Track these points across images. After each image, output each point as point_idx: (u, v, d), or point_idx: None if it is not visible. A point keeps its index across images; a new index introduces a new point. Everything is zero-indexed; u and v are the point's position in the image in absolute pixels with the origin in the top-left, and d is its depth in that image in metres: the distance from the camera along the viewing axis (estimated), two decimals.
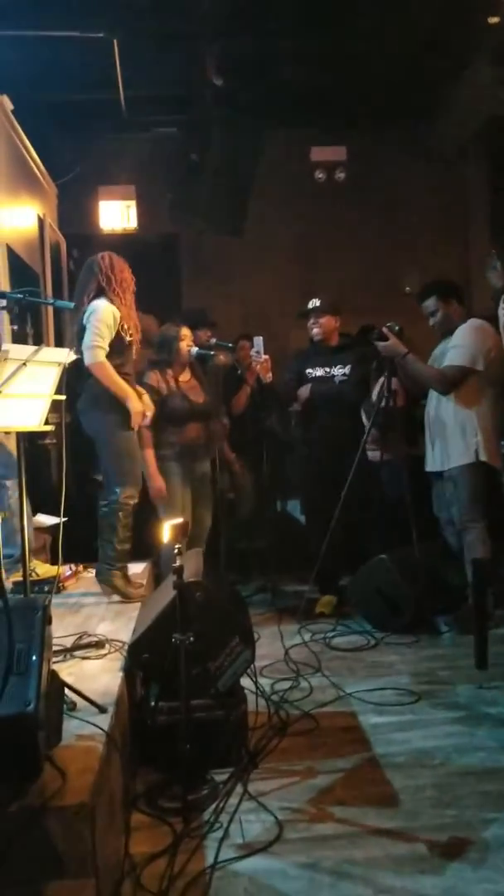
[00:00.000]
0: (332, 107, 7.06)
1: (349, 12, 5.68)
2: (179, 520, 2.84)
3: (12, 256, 5.15)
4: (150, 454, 4.73)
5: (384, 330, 4.54)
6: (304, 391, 4.96)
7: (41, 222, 6.21)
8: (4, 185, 5.02)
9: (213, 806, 2.64)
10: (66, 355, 2.66)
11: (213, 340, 5.64)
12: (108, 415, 3.93)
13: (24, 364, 2.50)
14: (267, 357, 4.71)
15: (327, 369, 4.96)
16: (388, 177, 7.43)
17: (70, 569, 4.57)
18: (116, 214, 7.25)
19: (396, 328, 4.57)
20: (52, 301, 3.11)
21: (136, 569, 4.66)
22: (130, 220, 7.25)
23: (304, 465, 5.23)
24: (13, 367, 2.48)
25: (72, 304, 3.18)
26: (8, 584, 3.89)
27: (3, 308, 2.66)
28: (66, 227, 7.20)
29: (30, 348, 2.53)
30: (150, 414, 4.30)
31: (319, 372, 4.98)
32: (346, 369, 4.93)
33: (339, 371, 4.93)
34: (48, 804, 1.94)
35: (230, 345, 5.72)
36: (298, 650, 4.17)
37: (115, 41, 5.68)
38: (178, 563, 2.71)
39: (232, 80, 6.40)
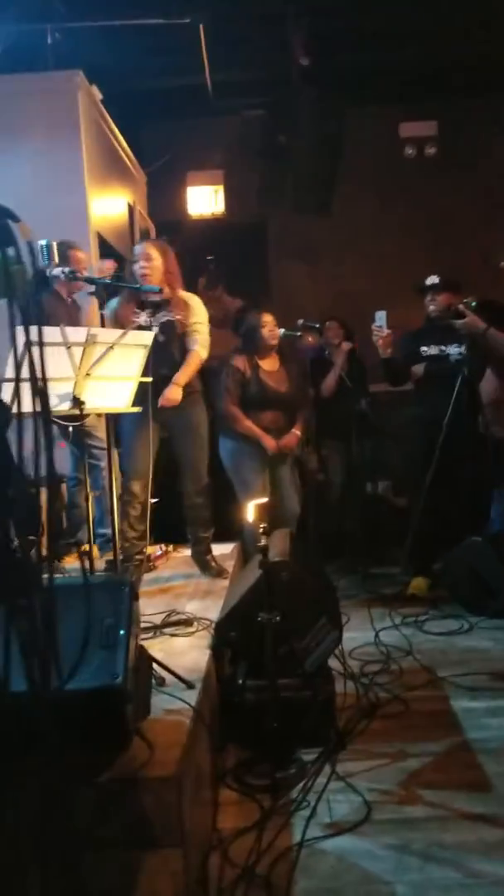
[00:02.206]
0: (422, 81, 6.90)
1: None
2: (263, 499, 2.84)
3: (103, 243, 5.26)
4: (247, 424, 4.72)
5: (461, 307, 4.40)
6: (418, 370, 4.83)
7: (131, 210, 6.32)
8: (95, 175, 5.12)
9: (301, 785, 2.64)
10: (151, 338, 2.69)
11: (301, 321, 5.62)
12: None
13: (112, 347, 2.54)
14: (390, 332, 4.60)
15: (442, 347, 4.80)
16: (481, 150, 7.20)
17: (161, 549, 4.65)
18: (205, 199, 7.28)
19: (473, 304, 4.41)
20: (137, 286, 3.14)
21: (225, 549, 4.71)
22: (218, 204, 7.27)
23: (414, 444, 5.09)
24: (102, 350, 2.52)
25: (157, 288, 3.20)
26: (100, 563, 4.02)
27: (91, 294, 2.71)
28: (155, 214, 7.30)
29: (116, 332, 2.57)
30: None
31: (434, 350, 4.82)
32: (463, 348, 4.78)
33: (454, 350, 4.77)
34: (137, 775, 1.98)
35: (317, 325, 5.68)
36: (389, 633, 4.11)
37: (201, 26, 5.69)
38: (262, 542, 2.72)
39: (318, 59, 6.33)
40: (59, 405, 2.49)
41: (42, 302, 4.42)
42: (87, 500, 3.22)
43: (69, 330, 2.46)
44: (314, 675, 2.92)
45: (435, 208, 7.27)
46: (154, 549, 4.54)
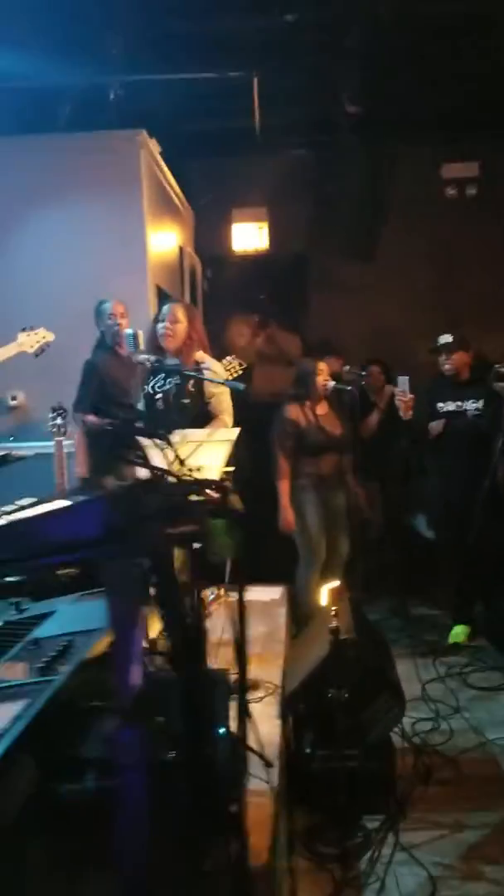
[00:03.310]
0: (465, 122, 7.03)
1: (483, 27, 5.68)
2: (336, 583, 3.02)
3: (159, 292, 5.45)
4: (284, 486, 4.93)
5: (502, 371, 4.54)
6: (437, 426, 4.95)
7: (181, 252, 6.50)
8: (154, 227, 5.31)
9: (368, 855, 2.83)
10: (236, 433, 2.88)
11: (347, 368, 5.81)
12: None
13: (200, 444, 2.73)
14: (412, 396, 4.77)
15: (459, 403, 4.96)
16: None
17: (212, 592, 4.82)
18: (249, 235, 7.44)
19: None
20: (222, 381, 3.28)
21: (274, 594, 4.89)
22: (262, 240, 7.43)
23: (436, 501, 5.26)
24: (191, 448, 2.71)
25: (241, 386, 3.31)
26: None
27: (178, 384, 2.90)
28: (200, 249, 7.48)
29: (204, 431, 2.77)
30: None
31: (451, 406, 4.97)
32: (479, 404, 4.92)
33: (471, 405, 4.92)
34: (234, 865, 2.16)
35: (362, 373, 5.87)
36: (435, 686, 4.28)
37: (255, 80, 5.84)
38: (334, 623, 2.91)
39: (365, 105, 6.48)
40: None
41: (104, 364, 4.66)
42: None
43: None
44: (377, 746, 3.10)
45: (476, 250, 7.39)
46: (206, 594, 4.71)
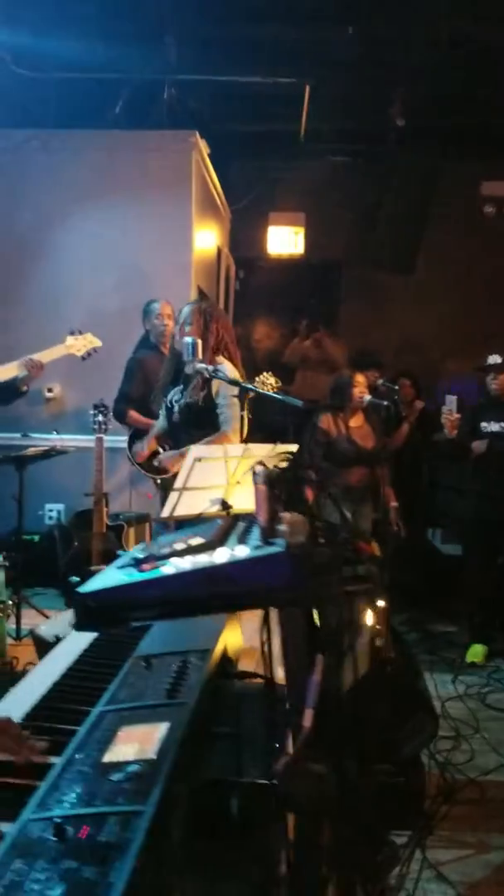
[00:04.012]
0: None
1: None
2: (382, 603, 3.06)
3: (200, 293, 5.49)
4: (308, 494, 4.95)
5: None
6: (480, 446, 4.99)
7: (219, 252, 6.53)
8: (199, 226, 5.34)
9: (397, 870, 2.87)
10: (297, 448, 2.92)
11: (381, 381, 5.85)
12: None
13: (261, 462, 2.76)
14: (459, 416, 4.81)
15: (503, 424, 5.02)
16: None
17: None
18: (284, 240, 7.47)
19: None
20: (281, 397, 3.27)
21: None
22: (298, 245, 7.46)
23: (472, 519, 5.31)
24: (251, 462, 2.75)
25: (300, 403, 3.31)
26: None
27: (235, 395, 2.94)
28: (235, 250, 7.51)
29: (268, 446, 2.80)
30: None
31: (495, 427, 5.01)
32: None
33: None
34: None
35: (396, 387, 5.91)
36: (454, 705, 4.33)
37: (307, 87, 5.87)
38: (378, 642, 2.95)
39: (412, 119, 6.52)
40: (211, 507, 2.72)
41: (148, 362, 4.71)
42: None
43: (229, 446, 2.70)
44: (408, 763, 3.15)
45: None
46: None
